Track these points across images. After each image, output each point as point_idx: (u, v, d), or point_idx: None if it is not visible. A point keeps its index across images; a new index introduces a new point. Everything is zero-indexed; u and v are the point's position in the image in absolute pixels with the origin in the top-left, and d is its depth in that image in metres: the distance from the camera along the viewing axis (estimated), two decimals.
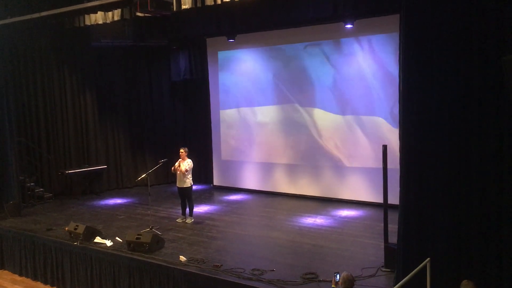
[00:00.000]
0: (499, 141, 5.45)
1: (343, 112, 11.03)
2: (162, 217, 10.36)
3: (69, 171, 12.48)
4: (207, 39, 13.13)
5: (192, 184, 9.78)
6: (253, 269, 6.97)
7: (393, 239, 6.80)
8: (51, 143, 12.66)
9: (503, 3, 5.29)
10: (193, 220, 9.87)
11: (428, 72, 5.88)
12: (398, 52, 6.40)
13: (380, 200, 7.52)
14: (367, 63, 10.57)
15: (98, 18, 10.17)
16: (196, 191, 12.11)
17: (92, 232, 8.69)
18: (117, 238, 8.71)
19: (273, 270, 6.96)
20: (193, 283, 7.04)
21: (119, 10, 9.75)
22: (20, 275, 9.58)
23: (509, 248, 5.46)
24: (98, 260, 8.21)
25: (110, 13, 9.95)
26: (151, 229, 9.15)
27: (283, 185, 12.21)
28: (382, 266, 6.93)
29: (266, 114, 12.30)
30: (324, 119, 11.33)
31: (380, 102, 10.46)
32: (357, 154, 10.89)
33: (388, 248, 6.88)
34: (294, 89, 11.74)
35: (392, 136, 10.05)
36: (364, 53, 10.61)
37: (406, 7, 6.03)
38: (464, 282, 4.78)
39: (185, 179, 9.62)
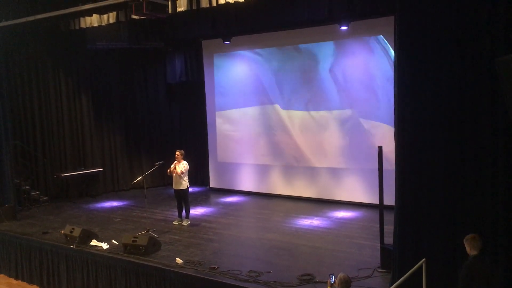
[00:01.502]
0: (493, 142, 5.49)
1: (339, 114, 11.05)
2: (158, 219, 10.35)
3: (65, 174, 12.45)
4: (202, 41, 13.14)
5: (188, 186, 9.78)
6: (249, 271, 6.99)
7: (389, 240, 6.83)
8: (46, 146, 12.63)
9: (497, 4, 5.33)
10: (189, 222, 9.87)
11: (422, 73, 5.91)
12: (393, 54, 6.43)
13: (376, 201, 7.54)
14: (362, 65, 10.60)
15: (93, 21, 10.15)
16: (193, 193, 12.11)
17: (88, 235, 8.68)
18: (113, 241, 8.70)
19: (270, 272, 6.97)
20: (189, 286, 7.04)
21: (115, 13, 9.74)
22: (16, 278, 9.55)
23: (504, 248, 5.49)
24: (94, 263, 8.20)
25: (105, 16, 9.94)
26: (147, 231, 9.14)
27: (279, 187, 12.23)
28: (378, 267, 6.95)
29: (262, 116, 12.32)
30: (320, 121, 11.36)
31: (375, 103, 10.49)
32: (353, 155, 10.91)
33: (384, 249, 6.90)
34: (289, 90, 11.76)
35: (387, 137, 10.08)
36: (359, 55, 10.64)
37: (400, 8, 6.06)
38: (469, 236, 4.87)
39: (181, 181, 9.62)
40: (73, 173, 12.63)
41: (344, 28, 10.23)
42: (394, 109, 6.32)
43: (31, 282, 9.31)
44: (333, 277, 5.15)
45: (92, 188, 13.20)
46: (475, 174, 5.64)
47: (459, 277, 4.87)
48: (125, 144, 13.96)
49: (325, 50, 11.14)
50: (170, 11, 8.85)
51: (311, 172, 11.63)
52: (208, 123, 13.50)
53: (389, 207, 6.97)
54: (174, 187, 9.79)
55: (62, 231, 8.95)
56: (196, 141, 13.85)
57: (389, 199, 6.88)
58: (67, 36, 12.00)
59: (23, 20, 10.14)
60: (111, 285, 7.98)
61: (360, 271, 6.84)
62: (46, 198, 12.29)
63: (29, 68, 12.30)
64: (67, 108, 12.90)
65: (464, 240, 4.94)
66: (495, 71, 5.14)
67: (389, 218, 6.74)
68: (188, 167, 9.68)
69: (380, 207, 6.97)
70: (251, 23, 10.72)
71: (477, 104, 5.56)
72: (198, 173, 13.62)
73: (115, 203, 12.29)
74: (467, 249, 4.89)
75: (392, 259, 6.40)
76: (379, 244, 7.10)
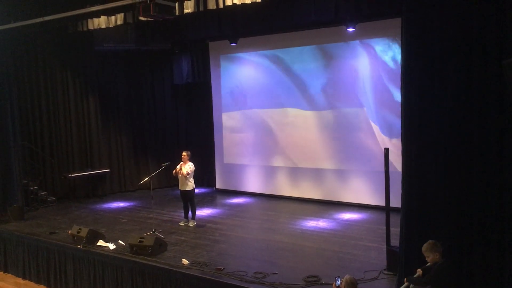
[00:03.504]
0: (500, 144, 5.47)
1: (345, 116, 11.04)
2: (164, 220, 10.38)
3: (72, 175, 12.52)
4: (209, 42, 13.18)
5: (194, 187, 9.80)
6: (255, 272, 6.99)
7: (395, 242, 6.81)
8: (54, 146, 12.72)
9: (504, 7, 5.32)
10: (195, 223, 9.89)
11: (429, 76, 5.90)
12: (399, 56, 6.43)
13: (382, 203, 7.53)
14: (369, 67, 10.59)
15: (101, 22, 10.21)
16: (199, 194, 12.15)
17: (95, 236, 8.72)
18: (120, 241, 8.74)
19: (276, 273, 6.98)
20: (195, 286, 7.06)
21: (122, 14, 9.79)
22: (24, 278, 9.60)
23: (510, 251, 5.46)
24: (101, 263, 8.23)
25: (113, 18, 9.99)
26: (153, 232, 9.17)
27: (286, 188, 12.22)
28: (384, 269, 6.94)
29: (268, 117, 12.33)
30: (326, 122, 11.35)
31: (382, 105, 10.47)
32: (360, 157, 10.89)
33: (390, 251, 6.89)
34: (296, 92, 11.76)
35: (393, 138, 10.07)
36: (366, 57, 10.63)
37: (407, 10, 6.06)
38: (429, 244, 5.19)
39: (187, 182, 9.64)
40: (80, 173, 12.69)
41: (351, 29, 10.22)
42: (401, 111, 6.32)
43: (38, 282, 9.35)
44: (339, 279, 5.15)
45: (99, 189, 13.26)
46: (482, 176, 5.62)
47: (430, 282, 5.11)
48: (131, 145, 14.03)
49: (332, 51, 11.13)
50: (177, 13, 8.89)
51: (317, 173, 11.62)
52: (214, 124, 13.52)
53: (395, 209, 6.95)
54: (180, 188, 9.81)
55: (69, 232, 8.99)
56: (202, 143, 13.88)
57: (396, 201, 6.87)
58: (75, 37, 12.09)
59: (32, 21, 10.20)
60: (118, 286, 8.01)
61: (366, 273, 6.83)
62: (54, 198, 12.36)
63: (37, 69, 12.39)
64: (75, 109, 12.98)
65: (424, 251, 5.19)
66: (502, 73, 5.13)
67: (396, 220, 6.71)
68: (193, 168, 9.70)
69: (386, 209, 6.96)
70: (258, 25, 10.73)
71: (484, 106, 5.55)
72: (205, 174, 13.66)
73: (121, 204, 12.34)
74: (430, 257, 5.16)
75: (399, 261, 6.39)
76: (385, 246, 7.08)
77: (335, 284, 5.25)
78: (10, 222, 10.48)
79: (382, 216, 7.72)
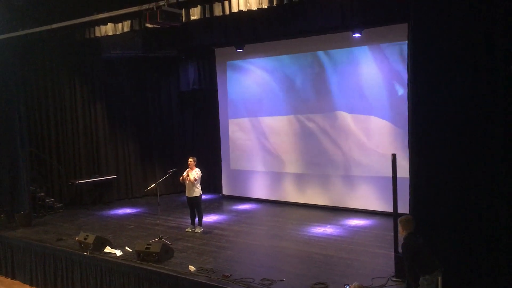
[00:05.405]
0: (508, 150, 5.43)
1: (352, 121, 11.01)
2: (171, 226, 10.38)
3: (79, 181, 12.56)
4: (215, 49, 13.22)
5: (201, 193, 9.79)
6: (262, 279, 6.95)
7: None
8: (61, 153, 12.78)
9: (511, 10, 5.30)
10: (202, 229, 9.87)
11: (436, 81, 5.88)
12: (406, 61, 6.42)
13: (390, 209, 7.48)
14: (376, 72, 10.57)
15: (108, 29, 10.26)
16: (205, 200, 12.13)
17: (102, 242, 8.73)
18: (126, 248, 8.74)
19: (283, 280, 6.94)
20: None
21: (129, 21, 9.84)
22: (31, 285, 9.61)
23: None
24: (107, 270, 8.23)
25: (120, 25, 10.04)
26: (160, 238, 9.16)
27: (292, 194, 12.19)
28: (393, 276, 6.88)
29: (274, 123, 12.32)
30: (333, 129, 11.32)
31: (389, 111, 10.43)
32: (367, 163, 10.85)
33: (398, 258, 6.83)
34: (302, 98, 11.75)
35: (401, 144, 10.01)
36: (373, 62, 10.61)
37: (414, 16, 6.05)
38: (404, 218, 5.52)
39: (194, 188, 9.63)
40: (87, 180, 12.74)
41: (357, 35, 10.21)
42: (408, 117, 6.30)
43: None
44: (348, 286, 5.12)
45: (106, 195, 13.28)
46: (491, 181, 5.58)
47: (404, 259, 5.40)
48: (138, 151, 14.06)
49: (339, 57, 11.12)
50: (183, 20, 8.92)
51: (324, 179, 11.58)
52: (220, 130, 13.54)
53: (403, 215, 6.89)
54: (186, 195, 9.81)
55: (76, 238, 9.01)
56: (208, 149, 13.88)
57: (403, 207, 6.82)
58: (82, 45, 12.14)
59: (39, 29, 10.29)
60: None
61: (374, 280, 6.78)
62: (61, 205, 12.40)
63: (45, 76, 12.48)
64: (82, 116, 13.05)
65: (399, 221, 5.54)
66: (509, 79, 5.11)
67: None
68: (200, 174, 9.70)
69: (394, 215, 6.91)
70: (264, 31, 10.73)
71: (491, 112, 5.52)
72: (211, 181, 13.65)
73: (128, 210, 12.35)
74: (400, 230, 5.53)
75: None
76: (393, 253, 7.03)
77: None
78: (18, 229, 10.52)
79: (390, 222, 7.67)
